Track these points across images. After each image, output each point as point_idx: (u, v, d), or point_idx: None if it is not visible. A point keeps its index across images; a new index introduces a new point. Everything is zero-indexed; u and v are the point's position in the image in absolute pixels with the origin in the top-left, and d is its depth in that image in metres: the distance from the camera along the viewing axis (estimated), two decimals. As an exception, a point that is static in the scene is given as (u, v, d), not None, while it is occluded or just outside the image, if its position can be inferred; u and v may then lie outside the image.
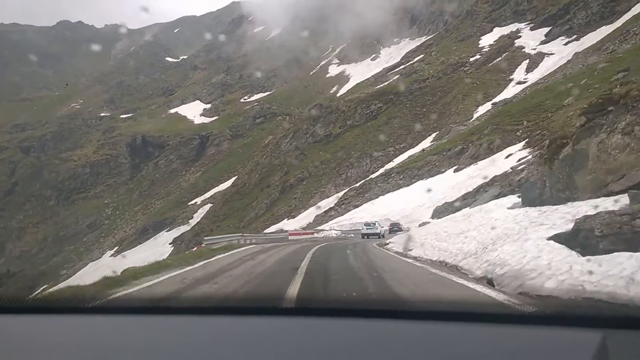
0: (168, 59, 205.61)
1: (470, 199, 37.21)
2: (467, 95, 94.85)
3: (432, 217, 41.57)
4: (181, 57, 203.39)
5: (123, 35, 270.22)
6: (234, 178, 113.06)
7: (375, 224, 39.18)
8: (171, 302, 2.73)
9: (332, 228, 59.09)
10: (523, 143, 51.28)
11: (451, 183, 53.74)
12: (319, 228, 61.21)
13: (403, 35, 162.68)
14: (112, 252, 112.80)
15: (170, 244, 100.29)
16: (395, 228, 44.50)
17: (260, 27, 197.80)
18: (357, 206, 64.52)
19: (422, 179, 60.42)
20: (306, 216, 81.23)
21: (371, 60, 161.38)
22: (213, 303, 2.45)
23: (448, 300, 2.23)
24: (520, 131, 54.18)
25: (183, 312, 2.23)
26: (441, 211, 39.40)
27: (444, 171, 58.85)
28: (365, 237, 36.38)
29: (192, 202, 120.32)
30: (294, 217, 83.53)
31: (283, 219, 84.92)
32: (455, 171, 56.83)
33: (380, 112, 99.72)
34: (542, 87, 65.55)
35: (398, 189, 62.10)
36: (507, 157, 50.24)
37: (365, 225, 40.16)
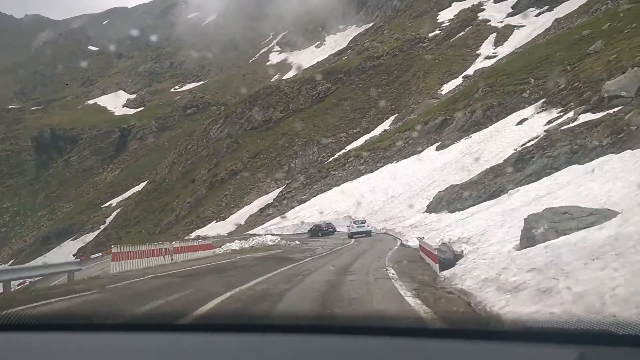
0: (91, 47, 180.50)
1: (505, 176, 20.00)
2: (428, 72, 79.25)
3: (430, 212, 24.20)
4: (105, 45, 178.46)
5: (46, 25, 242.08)
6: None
7: (365, 221, 31.34)
8: (66, 319, 2.29)
9: (269, 232, 41.04)
10: (540, 103, 35.06)
11: (436, 164, 36.84)
12: (250, 233, 42.94)
13: (350, 22, 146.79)
14: (6, 266, 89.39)
15: (74, 255, 78.76)
16: (330, 229, 35.44)
17: (195, 12, 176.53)
18: (303, 201, 46.62)
19: (391, 162, 43.28)
20: (239, 217, 62.75)
21: (315, 47, 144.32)
22: (111, 320, 2.19)
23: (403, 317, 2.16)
24: (528, 91, 38.03)
25: (78, 329, 2.02)
26: (450, 200, 22.02)
27: (422, 150, 41.93)
28: (354, 236, 30.10)
29: (107, 204, 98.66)
30: (223, 219, 64.76)
31: (211, 222, 65.97)
32: (438, 149, 39.97)
33: (329, 93, 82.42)
34: (540, 43, 50.02)
35: (358, 176, 44.65)
36: (519, 122, 33.81)
37: (354, 222, 31.63)
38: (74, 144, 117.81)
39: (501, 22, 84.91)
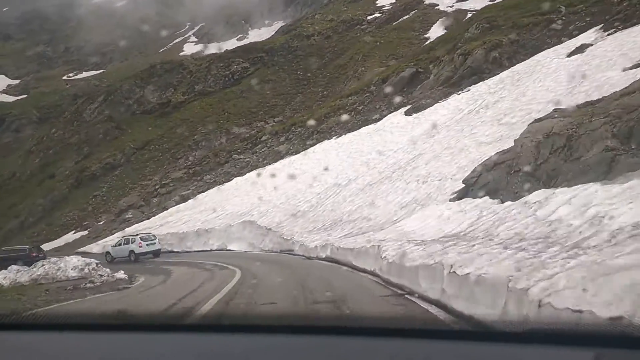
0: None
1: None
2: (369, 55, 63.94)
3: (501, 195, 7.07)
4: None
5: None
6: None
7: (155, 237, 23.02)
8: (67, 319, 2.19)
9: (106, 249, 22.56)
10: (596, 29, 19.47)
11: (413, 132, 20.18)
12: (82, 250, 24.08)
13: (276, 18, 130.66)
14: None
15: None
16: (40, 255, 24.15)
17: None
18: (185, 199, 28.38)
19: (329, 138, 26.13)
20: (108, 226, 43.06)
21: (237, 40, 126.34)
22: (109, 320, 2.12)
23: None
24: (561, 21, 22.56)
25: (80, 329, 1.94)
26: None
27: (380, 117, 25.18)
28: (139, 257, 22.70)
29: (-45, 208, 74.26)
30: (86, 229, 44.76)
31: (69, 231, 45.69)
32: (409, 112, 23.37)
33: (246, 74, 64.77)
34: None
35: (276, 160, 27.15)
36: (572, 53, 17.96)
37: (142, 239, 22.19)
38: None
39: (451, 6, 71.87)
